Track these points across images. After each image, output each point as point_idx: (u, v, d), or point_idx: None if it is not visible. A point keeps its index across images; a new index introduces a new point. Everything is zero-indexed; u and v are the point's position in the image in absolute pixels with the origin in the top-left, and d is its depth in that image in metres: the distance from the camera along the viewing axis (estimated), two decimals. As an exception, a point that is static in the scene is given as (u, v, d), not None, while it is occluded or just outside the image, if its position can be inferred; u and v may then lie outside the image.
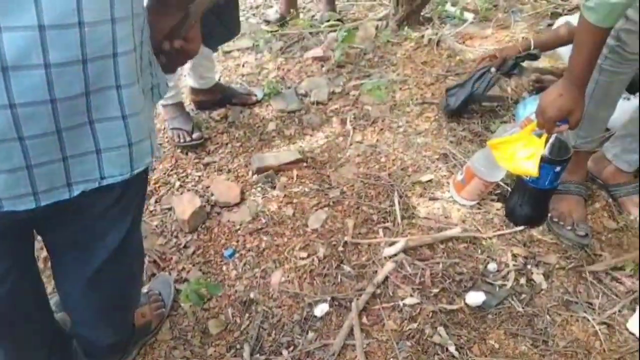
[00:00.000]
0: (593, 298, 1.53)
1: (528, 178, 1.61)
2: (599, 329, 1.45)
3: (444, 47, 2.62)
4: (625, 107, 1.84)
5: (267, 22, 2.88)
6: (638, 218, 1.74)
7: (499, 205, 1.80)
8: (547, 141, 1.49)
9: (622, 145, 1.75)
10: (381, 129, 2.18)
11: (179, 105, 2.13)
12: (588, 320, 1.47)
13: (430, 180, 1.92)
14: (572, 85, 1.37)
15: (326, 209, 1.85)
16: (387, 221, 1.79)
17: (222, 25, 1.82)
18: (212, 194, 1.88)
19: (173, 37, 0.92)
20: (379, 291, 1.56)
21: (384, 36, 2.71)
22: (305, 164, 2.02)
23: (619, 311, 1.50)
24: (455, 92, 2.15)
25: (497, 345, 1.41)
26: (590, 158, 1.85)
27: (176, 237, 1.76)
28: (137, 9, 0.81)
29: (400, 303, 1.52)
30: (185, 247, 1.73)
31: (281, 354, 1.42)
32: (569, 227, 1.68)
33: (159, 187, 1.95)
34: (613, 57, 1.54)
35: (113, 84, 0.78)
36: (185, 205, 1.78)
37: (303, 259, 1.67)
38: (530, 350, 1.40)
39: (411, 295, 1.54)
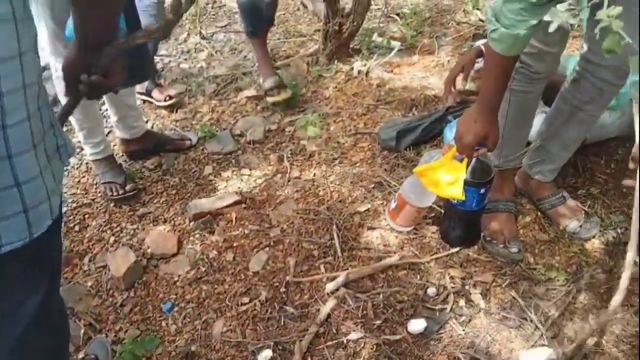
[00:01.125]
0: (530, 312, 1.57)
1: (456, 202, 1.65)
2: (537, 343, 1.48)
3: (374, 77, 2.68)
4: (542, 120, 1.93)
5: None
6: (567, 228, 1.81)
7: (434, 228, 1.84)
8: (468, 165, 1.53)
9: (536, 157, 1.83)
10: (318, 163, 2.21)
11: (109, 159, 2.08)
12: (526, 334, 1.50)
13: (367, 210, 1.95)
14: (485, 111, 1.42)
15: (267, 249, 1.84)
16: (328, 255, 1.79)
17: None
18: (148, 247, 1.83)
19: (90, 72, 0.96)
20: (322, 330, 1.55)
21: (315, 71, 2.76)
22: (244, 205, 2.01)
23: (555, 323, 1.54)
24: (403, 135, 2.20)
25: (440, 372, 1.42)
26: (517, 174, 1.92)
27: (112, 295, 1.70)
28: (30, 79, 0.81)
29: (344, 339, 1.52)
30: (121, 305, 1.67)
31: (225, 408, 1.38)
32: (502, 245, 1.73)
33: (92, 244, 1.89)
34: (519, 78, 1.62)
35: (4, 154, 0.78)
36: (120, 261, 1.73)
37: (245, 304, 1.65)
38: (473, 373, 1.42)
39: (354, 330, 1.54)
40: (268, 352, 1.49)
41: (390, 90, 2.59)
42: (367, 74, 2.70)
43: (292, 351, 1.49)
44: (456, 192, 1.51)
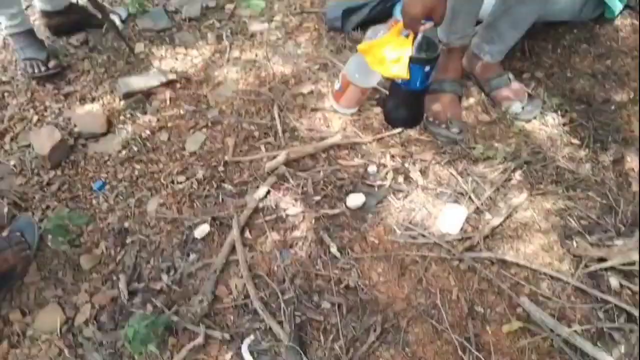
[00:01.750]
0: (467, 188, 1.59)
1: (400, 81, 1.59)
2: (470, 215, 1.52)
3: (323, -47, 2.49)
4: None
5: None
6: (509, 109, 1.81)
7: (378, 110, 1.79)
8: (414, 41, 1.46)
9: (486, 36, 1.77)
10: (260, 43, 2.08)
11: (29, 33, 1.87)
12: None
13: (311, 92, 1.87)
14: None
15: (204, 130, 1.76)
16: (269, 136, 1.74)
17: None
18: (75, 126, 1.71)
19: None
20: (261, 205, 1.53)
21: (259, -55, 2.53)
22: (179, 85, 1.89)
23: (490, 198, 1.57)
24: (350, 14, 2.07)
25: (376, 241, 1.44)
26: (464, 55, 1.86)
27: (38, 174, 1.61)
28: None
29: (283, 214, 1.51)
30: (48, 184, 1.58)
31: (161, 279, 1.37)
32: (444, 126, 1.71)
33: (14, 123, 1.75)
34: (473, -55, 1.51)
35: None
36: (44, 140, 1.61)
37: (181, 183, 1.59)
38: (408, 241, 1.45)
39: (294, 206, 1.52)
40: (205, 227, 1.47)
41: (340, -33, 2.41)
42: (315, -52, 2.50)
43: (230, 225, 1.47)
44: (400, 71, 1.45)
